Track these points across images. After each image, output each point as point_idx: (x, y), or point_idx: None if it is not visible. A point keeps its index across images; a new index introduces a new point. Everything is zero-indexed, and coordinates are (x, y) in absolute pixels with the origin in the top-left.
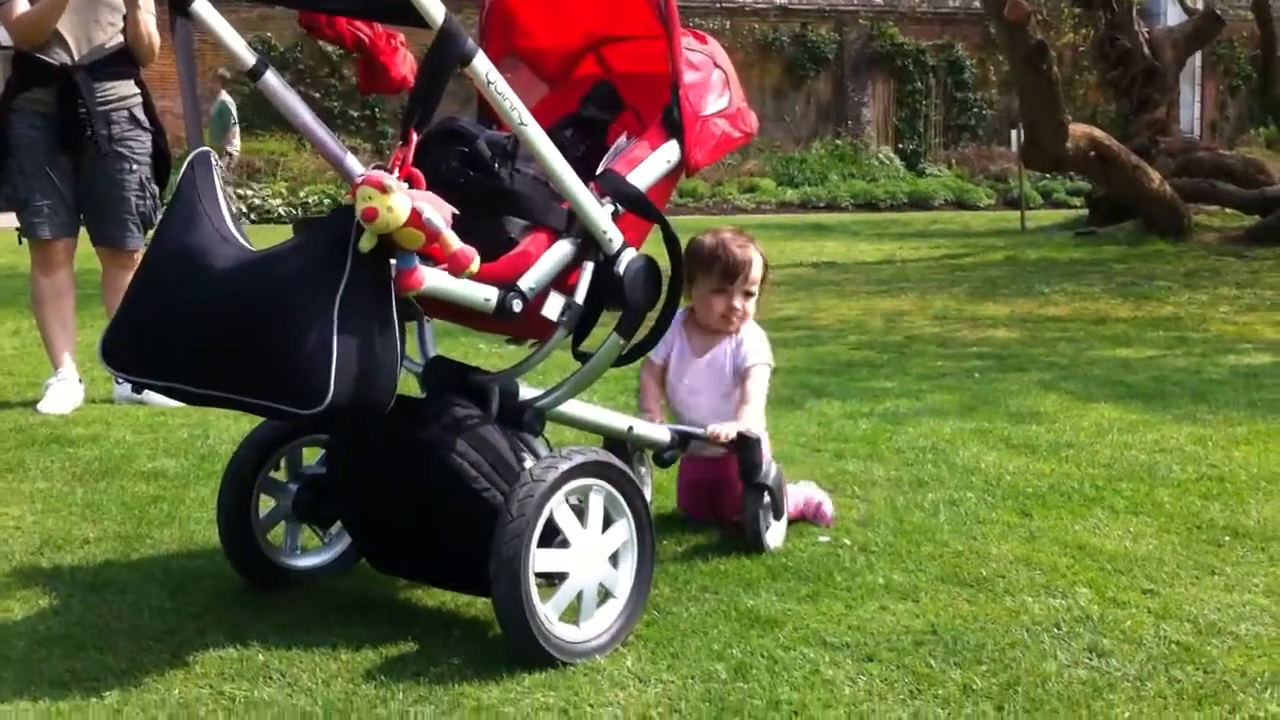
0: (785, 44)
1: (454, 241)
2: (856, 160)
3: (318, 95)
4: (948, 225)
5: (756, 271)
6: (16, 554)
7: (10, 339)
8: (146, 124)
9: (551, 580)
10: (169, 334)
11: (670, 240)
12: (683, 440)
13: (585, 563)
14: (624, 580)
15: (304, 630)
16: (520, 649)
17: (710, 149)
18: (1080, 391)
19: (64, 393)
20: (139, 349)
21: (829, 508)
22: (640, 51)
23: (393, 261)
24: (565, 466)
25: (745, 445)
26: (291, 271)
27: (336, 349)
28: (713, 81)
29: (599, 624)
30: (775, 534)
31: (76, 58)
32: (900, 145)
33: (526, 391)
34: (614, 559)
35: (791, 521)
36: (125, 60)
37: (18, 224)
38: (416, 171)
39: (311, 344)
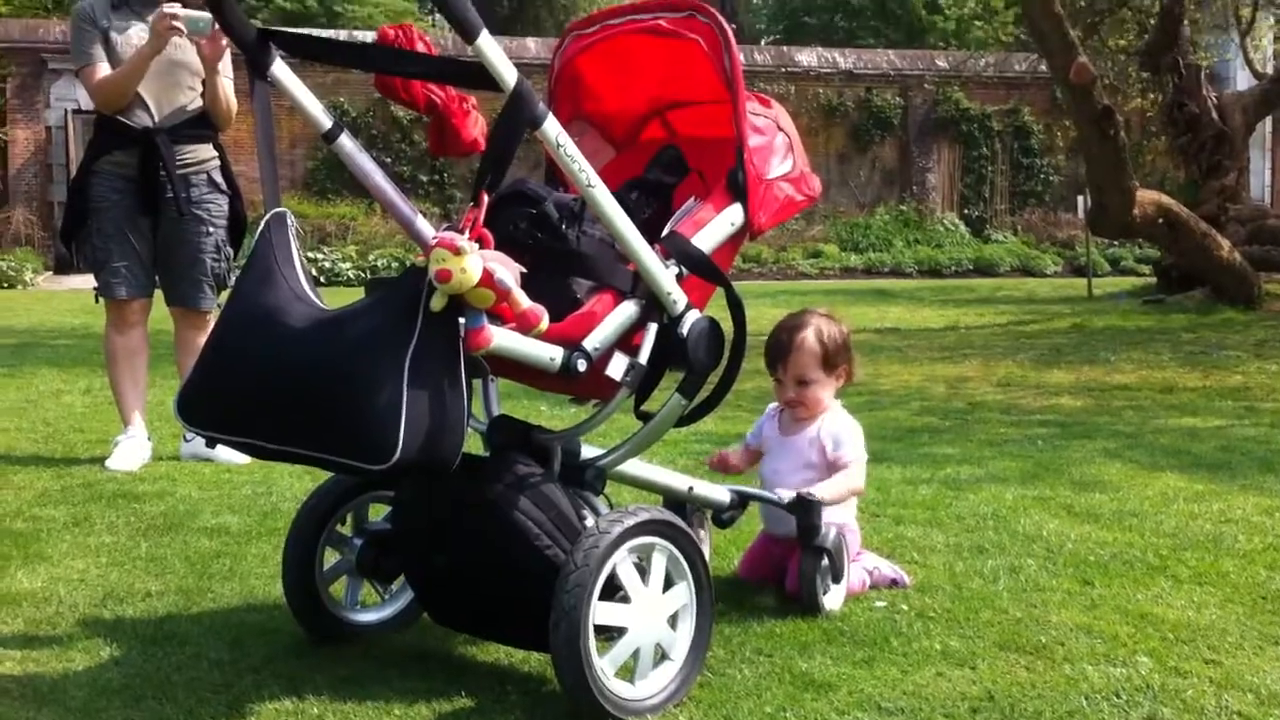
0: (850, 109)
1: (523, 300)
2: (921, 226)
3: (389, 160)
4: (1013, 292)
5: (806, 358)
6: (80, 605)
7: (82, 396)
8: (224, 187)
9: (610, 635)
10: (244, 390)
11: (734, 303)
12: (742, 501)
13: (644, 620)
14: (681, 643)
15: (361, 684)
16: (575, 700)
17: (774, 212)
18: (1146, 460)
19: (132, 450)
20: (214, 405)
21: (903, 575)
22: (706, 116)
23: (461, 320)
24: (631, 523)
25: (804, 507)
26: (365, 331)
27: (406, 406)
28: (776, 145)
29: (654, 684)
30: (833, 598)
31: (157, 120)
32: (966, 211)
33: (588, 451)
34: (673, 621)
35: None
36: (204, 124)
37: (95, 284)
38: (486, 232)
39: (382, 401)
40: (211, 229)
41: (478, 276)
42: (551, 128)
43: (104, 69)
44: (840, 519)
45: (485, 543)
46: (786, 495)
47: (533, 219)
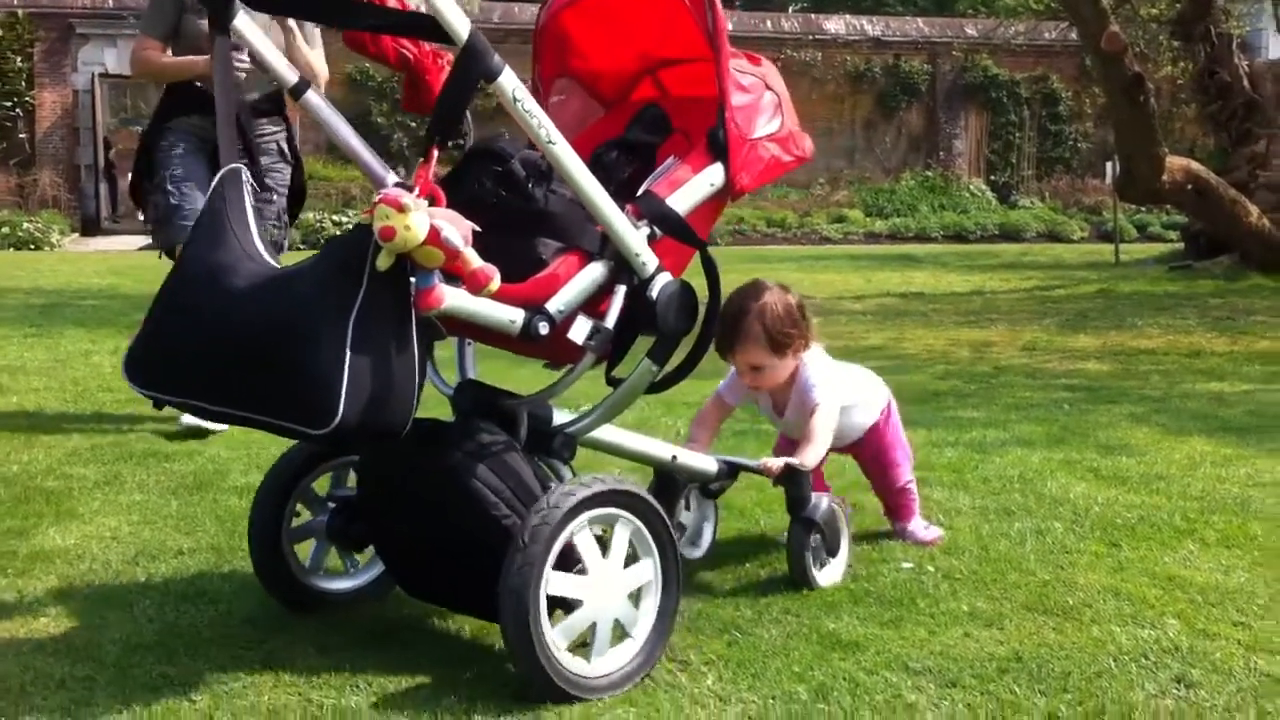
0: (877, 75)
1: (473, 260)
2: (947, 192)
3: (413, 124)
4: (1039, 258)
5: (752, 347)
6: (113, 563)
7: (110, 356)
8: (289, 157)
9: (566, 607)
10: (190, 350)
11: (709, 266)
12: (731, 471)
13: (602, 594)
14: (643, 621)
15: (393, 641)
16: (526, 675)
17: (758, 172)
18: (1173, 425)
19: None
20: (160, 365)
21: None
22: (696, 74)
23: (412, 281)
24: (585, 494)
25: (793, 478)
26: (307, 290)
27: (349, 369)
28: (763, 104)
29: (612, 662)
30: (830, 573)
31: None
32: (992, 177)
33: (561, 417)
34: (636, 598)
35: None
36: (279, 96)
37: (155, 240)
38: (438, 189)
39: (323, 363)
40: (275, 197)
41: (423, 234)
42: (508, 81)
43: (157, 51)
44: (864, 416)
45: (443, 512)
46: (775, 465)
47: (498, 177)
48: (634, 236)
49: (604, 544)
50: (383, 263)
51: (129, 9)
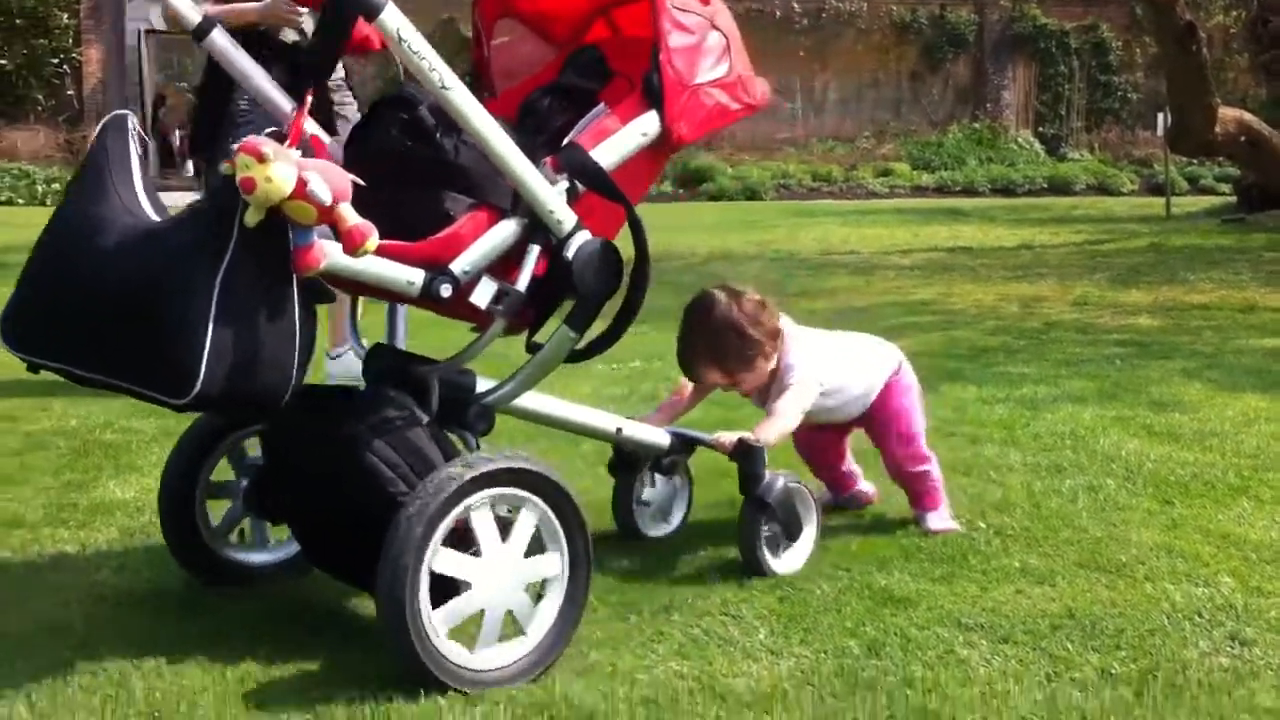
0: (923, 25)
1: (349, 216)
2: (995, 144)
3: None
4: (1089, 211)
5: (713, 382)
6: None
7: None
8: (348, 112)
9: (454, 589)
10: (59, 311)
11: (634, 224)
12: (685, 444)
13: (494, 580)
14: (541, 619)
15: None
16: (398, 658)
17: (698, 120)
18: (1226, 381)
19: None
20: (33, 327)
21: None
22: (646, 13)
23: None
24: (482, 470)
25: (746, 454)
26: (171, 247)
27: (211, 335)
28: (708, 46)
29: (496, 657)
30: (790, 559)
31: (311, 39)
32: (1041, 129)
33: (485, 386)
34: (537, 593)
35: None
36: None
37: None
38: (318, 138)
39: (184, 328)
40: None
41: (289, 187)
42: (391, 19)
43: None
44: (863, 386)
45: (338, 485)
46: (728, 439)
47: (404, 125)
48: (547, 192)
49: (506, 527)
50: (250, 218)
51: None
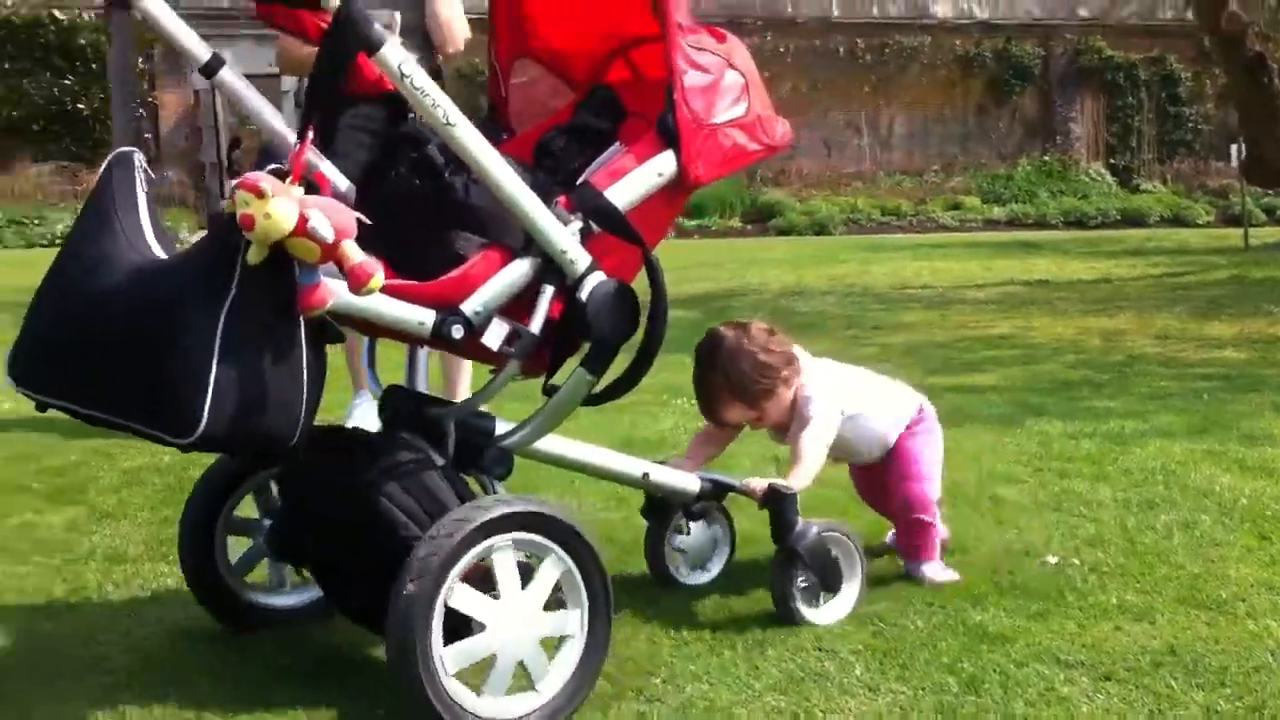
0: (988, 59)
1: (353, 254)
2: (1065, 177)
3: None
4: (1164, 243)
5: (737, 419)
6: None
7: None
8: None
9: (468, 629)
10: (62, 349)
11: (651, 267)
12: (716, 490)
13: (508, 626)
14: (554, 677)
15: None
16: (403, 691)
17: (717, 162)
18: None
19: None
20: (36, 363)
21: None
22: (663, 54)
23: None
24: (496, 513)
25: (776, 500)
26: (174, 285)
27: (215, 374)
28: (725, 85)
29: (504, 709)
30: (830, 611)
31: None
32: (1112, 161)
33: (504, 429)
34: (552, 648)
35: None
36: (436, 71)
37: None
38: (321, 175)
39: (187, 369)
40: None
41: (289, 224)
42: (393, 54)
43: (293, 41)
44: (883, 423)
45: (352, 530)
46: (758, 485)
47: (414, 163)
48: (559, 231)
49: (529, 575)
50: (253, 257)
51: (243, 9)
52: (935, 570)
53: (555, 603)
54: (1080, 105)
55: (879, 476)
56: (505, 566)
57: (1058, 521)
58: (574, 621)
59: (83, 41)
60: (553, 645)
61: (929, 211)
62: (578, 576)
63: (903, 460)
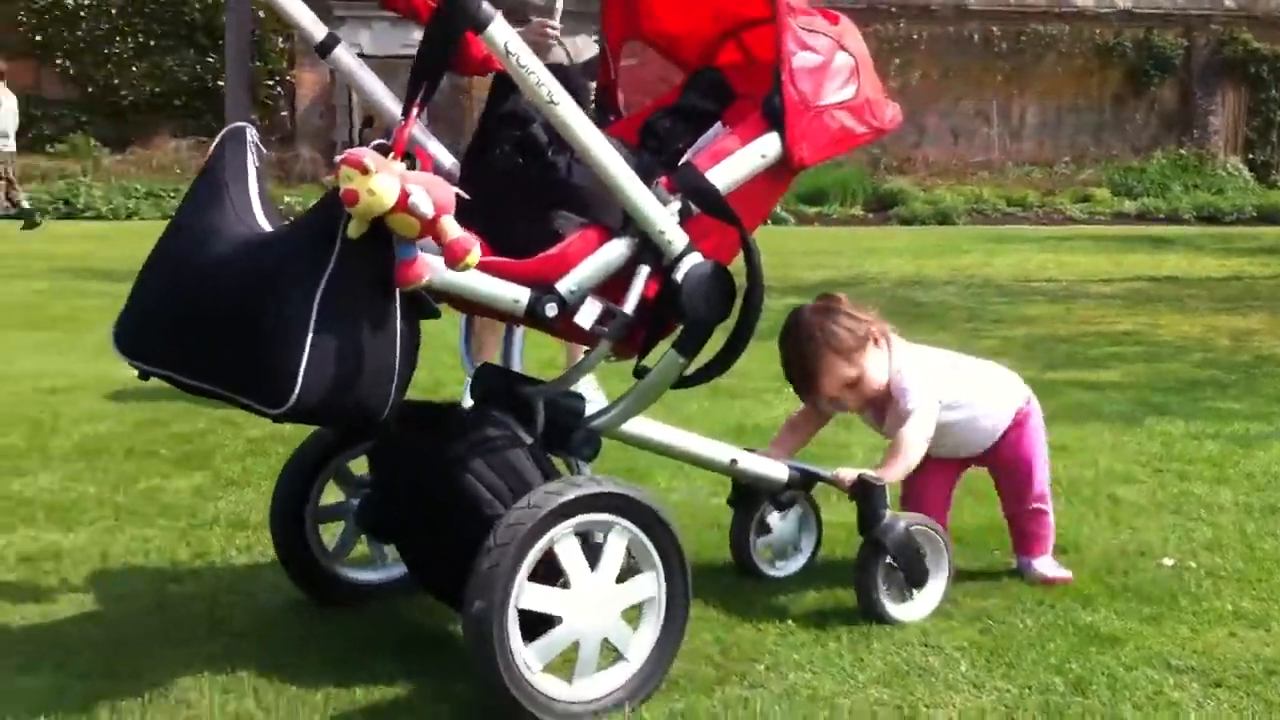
0: (1127, 49)
1: (452, 229)
2: (1201, 171)
3: None
4: None
5: (832, 385)
6: None
7: None
8: None
9: (546, 623)
10: (167, 318)
11: (748, 250)
12: (805, 480)
13: (585, 611)
14: (641, 642)
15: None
16: (487, 690)
17: (822, 144)
18: None
19: None
20: (142, 333)
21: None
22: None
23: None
24: (574, 494)
25: (865, 492)
26: (275, 258)
27: (310, 347)
28: (835, 67)
29: (598, 686)
30: (916, 606)
31: (572, 59)
32: (1251, 156)
33: (594, 410)
34: (634, 616)
35: None
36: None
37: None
38: (422, 151)
39: (283, 340)
40: None
41: (391, 199)
42: (499, 33)
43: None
44: (989, 414)
45: (438, 506)
46: (848, 476)
47: (517, 142)
48: (657, 211)
49: (595, 553)
50: (353, 231)
51: None
52: (1047, 566)
53: (629, 571)
54: (1221, 98)
55: (952, 474)
56: (570, 553)
57: (1175, 524)
58: (651, 585)
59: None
60: (633, 614)
61: (1056, 203)
62: (648, 541)
63: (1020, 451)
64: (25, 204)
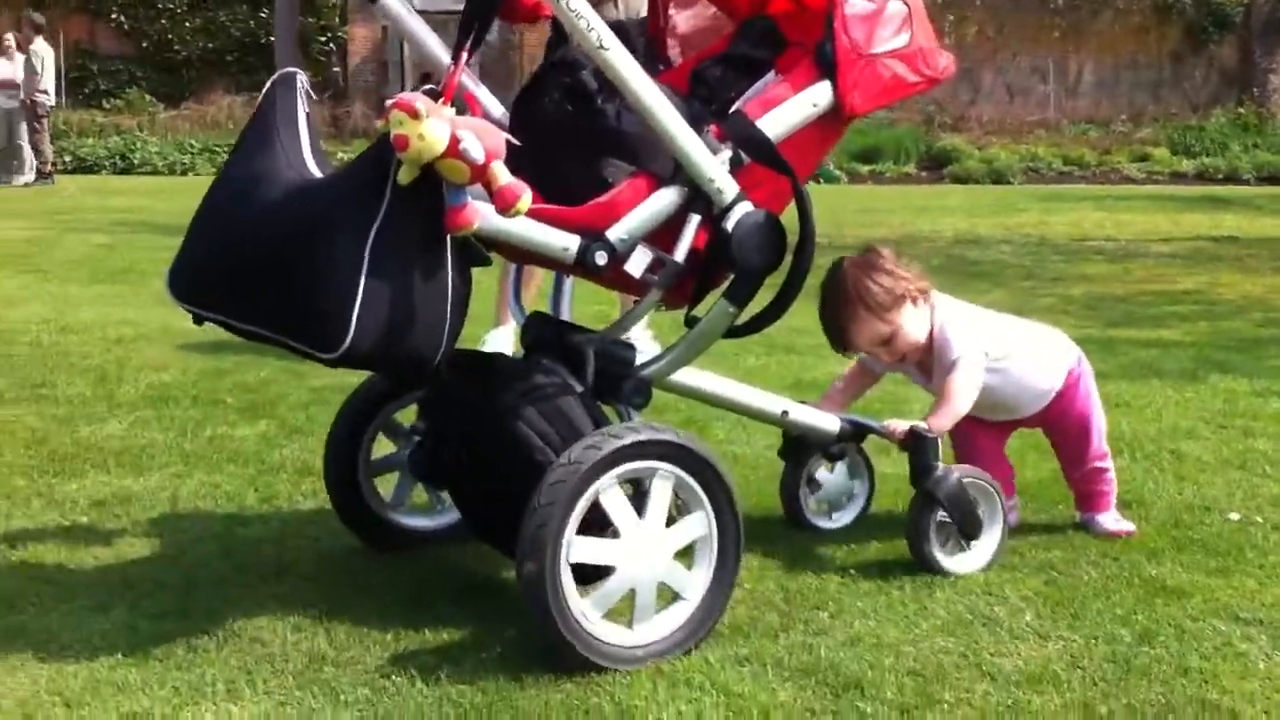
0: (1186, 6)
1: (502, 175)
2: (1261, 131)
3: None
4: None
5: (868, 338)
6: None
7: None
8: None
9: (599, 574)
10: (221, 264)
11: (801, 199)
12: (856, 432)
13: (638, 557)
14: (696, 581)
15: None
16: (549, 644)
17: (875, 93)
18: None
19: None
20: (196, 278)
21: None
22: None
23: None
24: (613, 446)
25: (916, 444)
26: (326, 203)
27: (363, 290)
28: (888, 14)
29: (659, 628)
30: (969, 559)
31: (625, 13)
32: None
33: (644, 359)
34: (687, 556)
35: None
36: None
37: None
38: (472, 96)
39: (336, 285)
40: None
41: (442, 145)
42: None
43: None
44: (1041, 374)
45: (490, 452)
46: (900, 427)
47: (566, 89)
48: (708, 160)
49: (642, 499)
50: (404, 176)
51: None
52: (1111, 520)
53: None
54: None
55: (1007, 432)
56: (617, 503)
57: (1240, 479)
58: (701, 523)
59: None
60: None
61: (1114, 162)
62: (694, 482)
63: (1075, 410)
64: (50, 160)
